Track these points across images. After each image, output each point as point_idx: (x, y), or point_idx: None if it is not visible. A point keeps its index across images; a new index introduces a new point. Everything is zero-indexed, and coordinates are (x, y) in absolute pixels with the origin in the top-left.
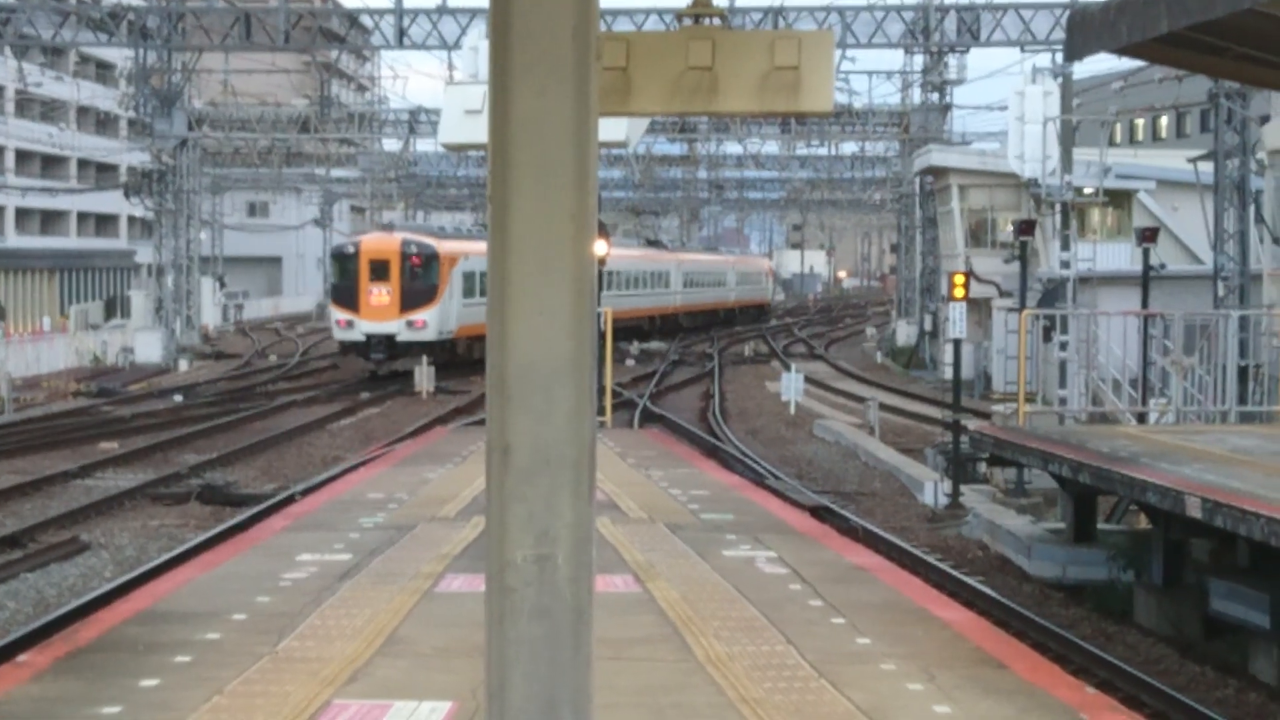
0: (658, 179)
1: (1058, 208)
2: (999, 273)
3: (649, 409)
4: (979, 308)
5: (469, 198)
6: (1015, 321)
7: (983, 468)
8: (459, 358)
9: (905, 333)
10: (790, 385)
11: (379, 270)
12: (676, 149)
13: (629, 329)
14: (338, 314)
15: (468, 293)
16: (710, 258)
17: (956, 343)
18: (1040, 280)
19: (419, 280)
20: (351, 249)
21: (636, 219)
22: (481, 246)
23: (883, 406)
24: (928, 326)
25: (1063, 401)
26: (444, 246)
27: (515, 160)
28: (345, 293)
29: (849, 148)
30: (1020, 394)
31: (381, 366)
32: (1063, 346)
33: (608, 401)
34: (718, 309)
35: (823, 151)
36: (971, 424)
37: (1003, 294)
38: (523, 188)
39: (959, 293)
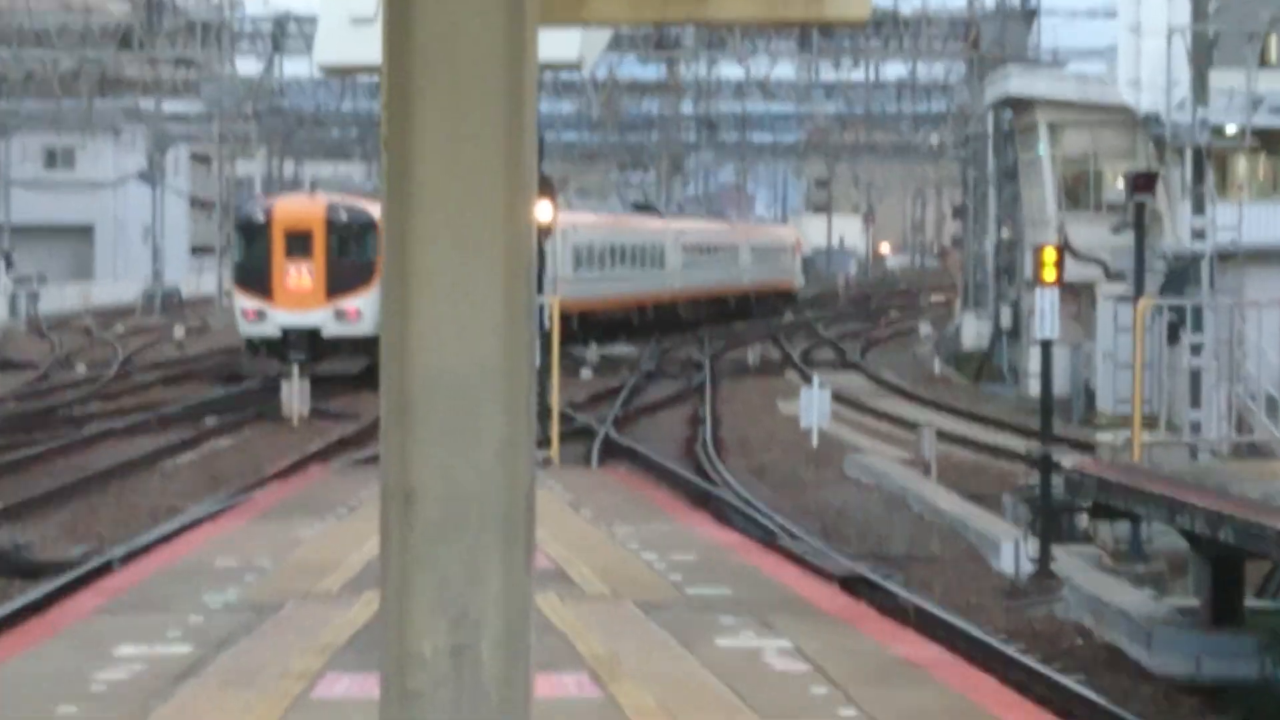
0: (626, 115)
1: (1188, 154)
2: (1106, 246)
3: (613, 440)
4: (1078, 296)
5: (358, 141)
6: (1129, 315)
7: (1083, 521)
8: None
9: (974, 331)
10: (812, 405)
11: (298, 244)
12: (652, 72)
13: (609, 324)
14: (244, 302)
15: None
16: (715, 226)
17: (1046, 345)
18: (1164, 257)
19: (350, 256)
20: (261, 217)
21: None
22: None
23: (942, 435)
24: (1005, 323)
25: (1196, 428)
26: (380, 211)
27: (420, 89)
28: (253, 274)
29: (894, 70)
30: (1136, 417)
31: (304, 371)
32: (1196, 350)
33: (554, 430)
34: (726, 296)
35: (858, 76)
36: (1068, 460)
37: (1111, 276)
38: (431, 128)
39: (1049, 275)
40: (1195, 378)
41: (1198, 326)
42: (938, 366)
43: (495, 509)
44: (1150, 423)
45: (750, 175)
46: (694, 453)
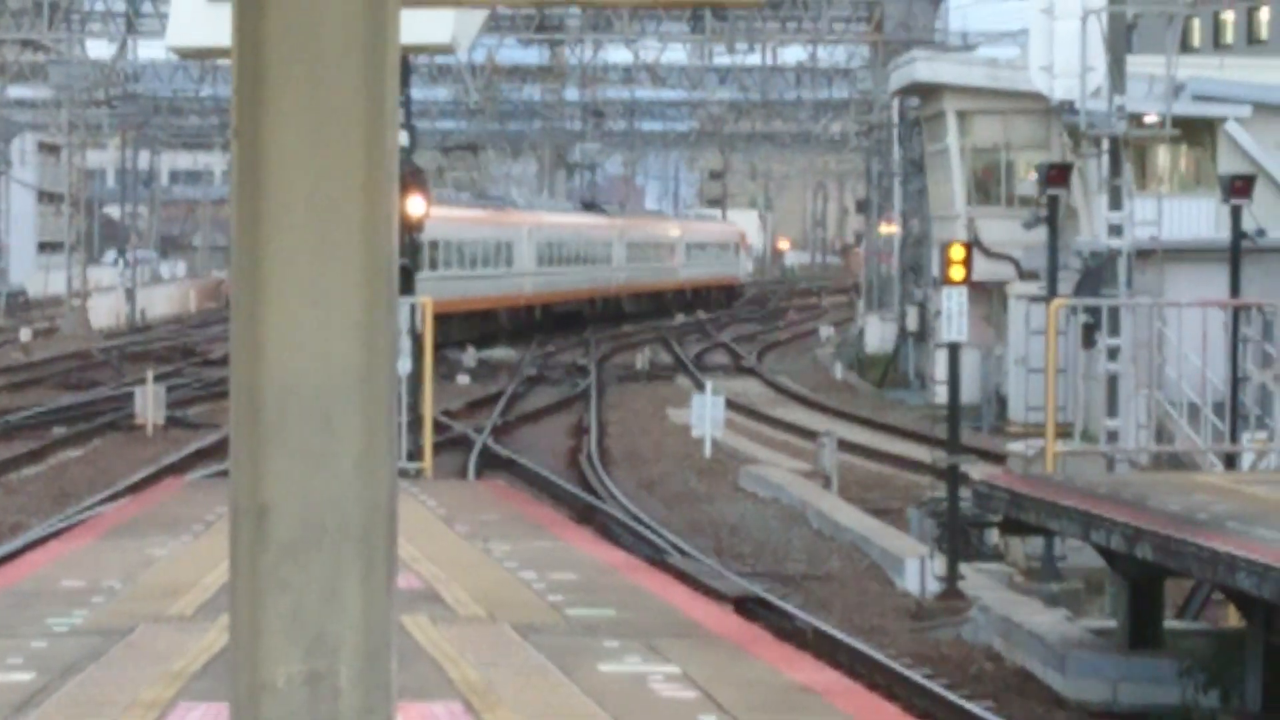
0: (506, 102)
1: (1105, 145)
2: (1018, 243)
3: (491, 450)
4: (989, 296)
5: (219, 129)
6: (1042, 317)
7: (994, 537)
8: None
9: (878, 334)
10: (704, 414)
11: None
12: (534, 56)
13: (565, 316)
14: None
15: (434, 264)
16: (658, 224)
17: (954, 349)
18: (1079, 255)
19: None
20: None
21: (495, 164)
22: (450, 212)
23: (844, 445)
24: (912, 325)
25: (1113, 437)
26: None
27: (273, 73)
28: None
29: (793, 54)
30: (1049, 426)
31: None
32: (1113, 355)
33: (426, 439)
34: (667, 290)
35: (754, 60)
36: (977, 471)
37: (1024, 275)
38: (285, 115)
39: (958, 273)
40: (1112, 383)
41: (1115, 329)
42: (839, 371)
43: (354, 524)
44: (1065, 431)
45: (639, 166)
46: (578, 464)
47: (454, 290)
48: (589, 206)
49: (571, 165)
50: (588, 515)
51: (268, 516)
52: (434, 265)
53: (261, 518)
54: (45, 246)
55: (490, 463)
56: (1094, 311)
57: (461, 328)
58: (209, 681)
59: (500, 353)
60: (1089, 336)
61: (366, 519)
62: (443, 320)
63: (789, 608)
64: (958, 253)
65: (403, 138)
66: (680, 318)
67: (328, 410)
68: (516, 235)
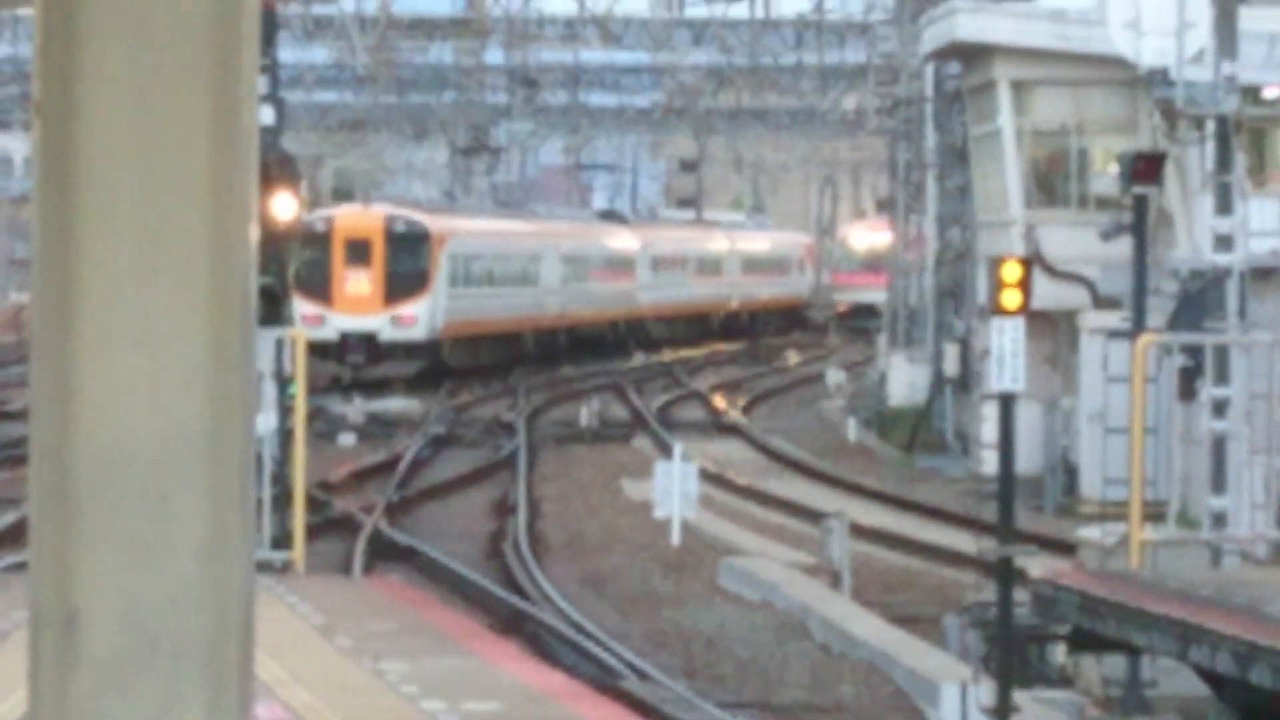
0: (406, 66)
1: (1210, 128)
2: (1092, 259)
3: (384, 536)
4: (1054, 330)
5: (18, 102)
6: (1124, 358)
7: (1060, 655)
8: (443, 364)
9: (905, 380)
10: (672, 487)
11: (357, 252)
12: (444, 6)
13: (589, 340)
14: (304, 307)
15: (456, 280)
16: (697, 233)
17: (1007, 401)
18: (1175, 275)
19: (407, 264)
20: (322, 226)
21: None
22: (474, 223)
23: (859, 530)
24: (950, 369)
25: (1220, 520)
26: (434, 222)
27: (89, 29)
28: (313, 280)
29: (792, 5)
30: (1135, 505)
31: (361, 372)
32: (1220, 409)
33: (297, 520)
34: (709, 313)
35: (740, 12)
36: (1038, 566)
37: (1101, 302)
38: (105, 85)
39: (1012, 300)
40: (1219, 448)
41: (1223, 374)
42: (853, 431)
43: (196, 637)
44: (1155, 513)
45: (586, 154)
46: (501, 554)
47: (478, 310)
48: (606, 214)
49: (494, 151)
50: (514, 624)
51: (80, 626)
52: (454, 282)
53: (71, 628)
54: None
55: (383, 553)
56: (1195, 351)
57: (487, 352)
58: None
59: (397, 404)
60: (1188, 385)
61: (213, 629)
62: (465, 344)
63: None
64: (1012, 272)
65: (266, 114)
66: (636, 359)
67: (161, 483)
68: (543, 248)
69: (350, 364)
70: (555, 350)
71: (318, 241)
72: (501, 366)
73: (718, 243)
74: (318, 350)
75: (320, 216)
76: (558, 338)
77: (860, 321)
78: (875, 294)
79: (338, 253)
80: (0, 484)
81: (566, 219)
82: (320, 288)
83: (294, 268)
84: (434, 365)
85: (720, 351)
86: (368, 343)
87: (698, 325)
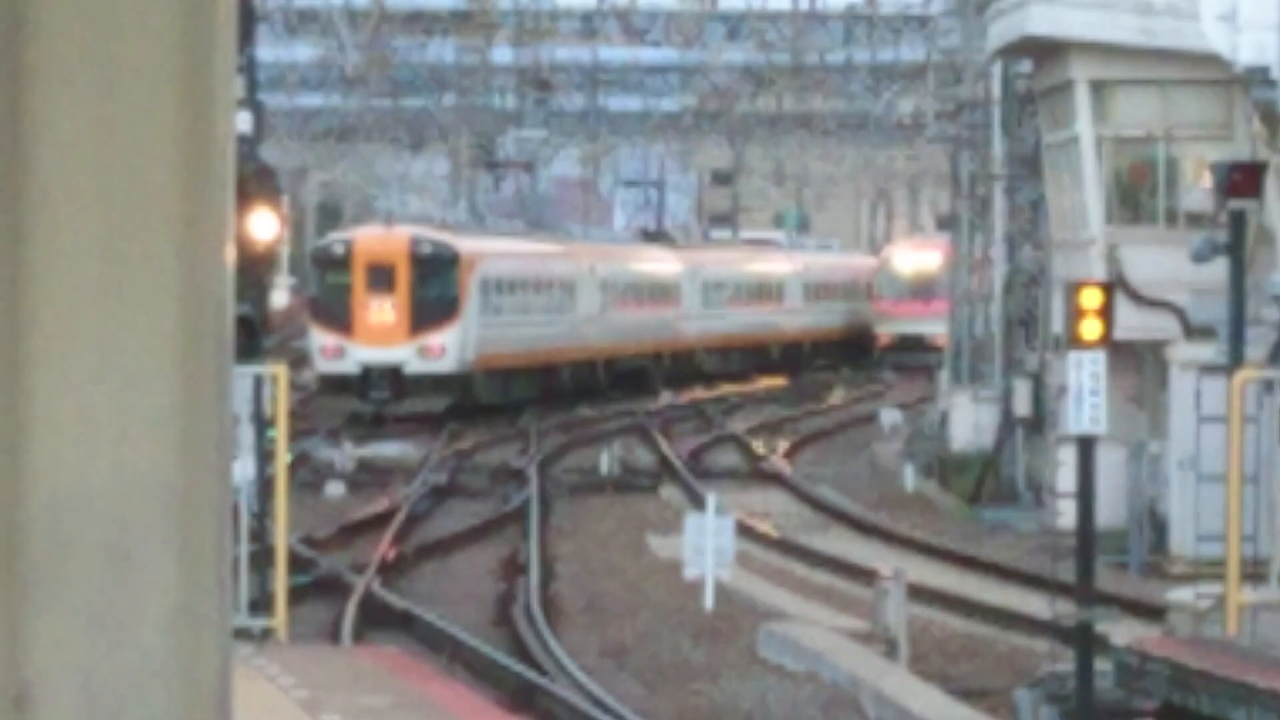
0: (401, 67)
1: None
2: (1183, 283)
3: (378, 599)
4: (1139, 365)
5: None
6: (1220, 396)
7: None
8: (474, 399)
9: (970, 422)
10: (705, 543)
11: (380, 278)
12: None
13: (629, 373)
14: (322, 338)
15: (488, 308)
16: (755, 256)
17: (1086, 445)
18: (1278, 300)
19: (434, 291)
20: (341, 249)
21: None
22: (506, 245)
23: (917, 592)
24: (1021, 408)
25: None
26: (464, 245)
27: (41, 18)
28: (332, 308)
29: None
30: (1232, 563)
31: (384, 409)
32: None
33: (279, 582)
34: (764, 344)
35: (782, 4)
36: (1122, 633)
37: (1192, 332)
38: (59, 85)
39: (1092, 330)
40: None
41: None
42: (910, 479)
43: (165, 715)
44: (1255, 572)
45: (607, 165)
46: (511, 619)
47: (511, 340)
48: (651, 236)
49: (501, 164)
50: (526, 699)
51: (32, 702)
52: (486, 310)
53: (22, 704)
54: None
55: (376, 619)
56: None
57: (521, 386)
58: None
59: (391, 449)
60: None
61: (183, 707)
62: (498, 377)
63: None
64: (1092, 298)
65: (243, 120)
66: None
67: (124, 540)
68: (580, 273)
69: (373, 399)
70: (593, 384)
71: (336, 266)
72: (533, 401)
73: (776, 266)
74: (337, 384)
75: (339, 239)
76: (595, 370)
77: (906, 356)
78: (924, 324)
79: (359, 278)
80: None
81: (605, 240)
82: (340, 316)
83: (312, 294)
84: (464, 400)
85: (759, 389)
86: (392, 376)
87: (752, 357)
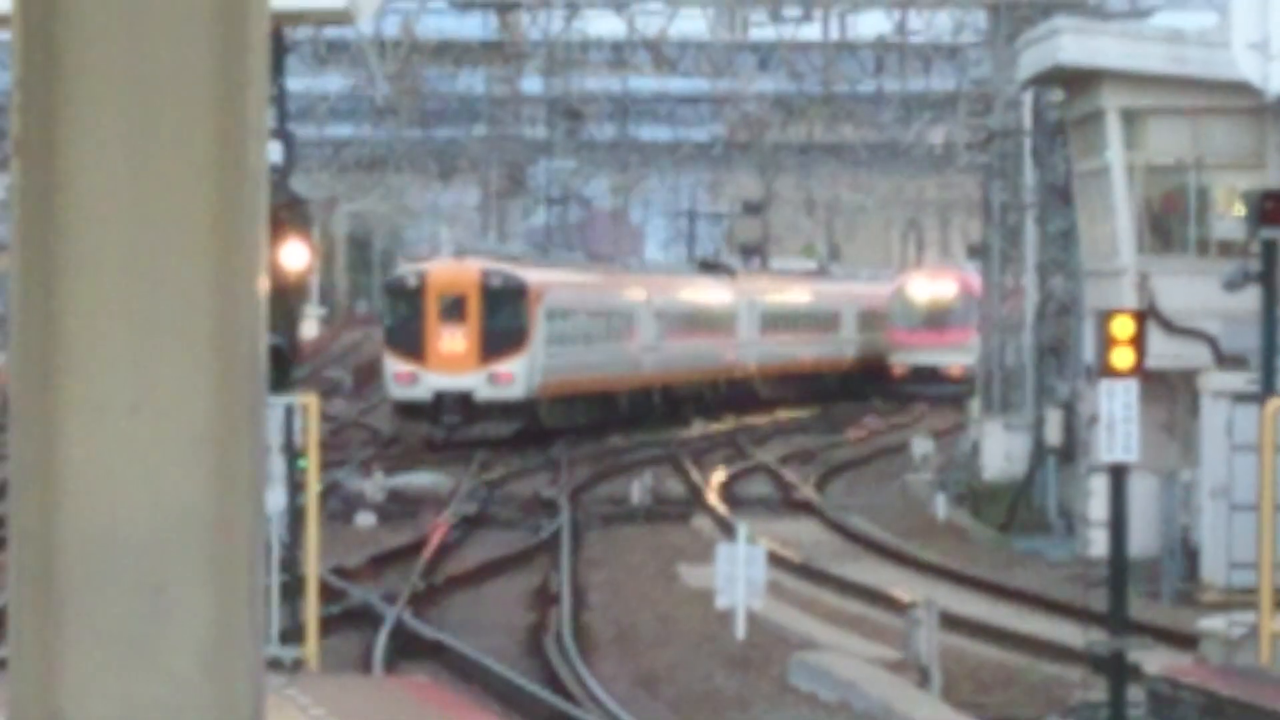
0: (432, 97)
1: None
2: (1215, 312)
3: (409, 629)
4: (1172, 394)
5: None
6: (1252, 425)
7: None
8: (540, 424)
9: (1001, 450)
10: (736, 573)
11: (452, 308)
12: (476, 27)
13: (684, 399)
14: (396, 365)
15: (554, 337)
16: (811, 285)
17: (1118, 474)
18: None
19: (504, 320)
20: (414, 281)
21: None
22: (570, 276)
23: (950, 621)
24: (1053, 437)
25: None
26: (532, 276)
27: (75, 53)
28: (406, 336)
29: (871, 24)
30: (1265, 591)
31: (455, 434)
32: None
33: (310, 612)
34: (822, 372)
35: (812, 34)
36: (1155, 662)
37: (1225, 361)
38: (93, 118)
39: (1124, 359)
40: None
41: None
42: (942, 508)
43: None
44: None
45: (636, 194)
46: (543, 650)
47: (575, 368)
48: (708, 265)
49: (531, 194)
50: None
51: None
52: (552, 339)
53: None
54: None
55: (408, 649)
56: None
57: (583, 412)
58: None
59: (422, 479)
60: None
61: None
62: (563, 404)
63: None
64: (1124, 328)
65: (274, 152)
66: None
67: (158, 572)
68: (640, 303)
69: (446, 424)
70: (649, 410)
71: (409, 297)
72: (596, 427)
73: (831, 294)
74: (411, 410)
75: (412, 270)
76: (652, 398)
77: (918, 387)
78: (939, 355)
79: (431, 308)
80: None
81: (664, 271)
82: (413, 345)
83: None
84: (531, 426)
85: (789, 419)
86: (463, 402)
87: (810, 384)
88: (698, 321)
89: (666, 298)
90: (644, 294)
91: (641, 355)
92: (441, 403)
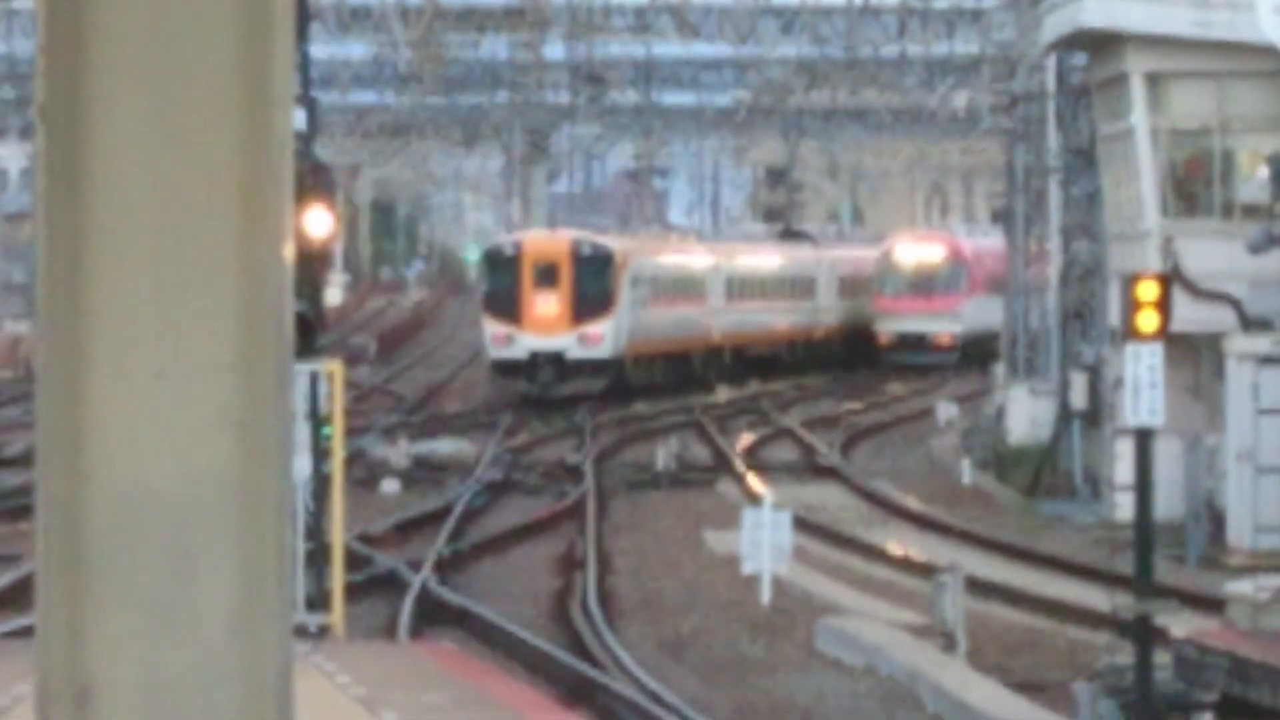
0: (454, 63)
1: None
2: (1240, 275)
3: (434, 595)
4: (1197, 357)
5: (16, 107)
6: (1277, 387)
7: None
8: (627, 382)
9: (1027, 415)
10: (761, 538)
11: (545, 275)
12: None
13: (759, 360)
14: (493, 327)
15: (638, 301)
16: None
17: (1144, 437)
18: None
19: (593, 286)
20: (511, 250)
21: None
22: (651, 245)
23: (976, 586)
24: (1078, 401)
25: None
26: (617, 245)
27: (101, 21)
28: (503, 301)
29: None
30: None
31: (548, 391)
32: None
33: (336, 579)
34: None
35: (835, 0)
36: (1181, 625)
37: (1250, 324)
38: (119, 86)
39: (1149, 322)
40: None
41: None
42: (967, 473)
43: (226, 712)
44: None
45: (659, 162)
46: (568, 616)
47: (656, 330)
48: (789, 233)
49: (554, 159)
50: (583, 694)
51: (94, 701)
52: (636, 303)
53: (84, 703)
54: None
55: (433, 615)
56: None
57: (662, 371)
58: None
59: (447, 446)
60: None
61: (244, 704)
62: (645, 363)
63: None
64: (1148, 291)
65: (299, 118)
66: (722, 394)
67: (186, 538)
68: (716, 270)
69: (541, 382)
70: (721, 370)
71: (506, 265)
72: (676, 385)
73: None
74: (506, 369)
75: (508, 241)
76: (722, 357)
77: (905, 357)
78: (926, 322)
79: (526, 275)
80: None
81: (742, 239)
82: (510, 308)
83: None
84: (617, 383)
85: (813, 385)
86: (556, 361)
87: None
88: (768, 286)
89: (742, 264)
90: (721, 261)
91: (713, 318)
92: (535, 362)
